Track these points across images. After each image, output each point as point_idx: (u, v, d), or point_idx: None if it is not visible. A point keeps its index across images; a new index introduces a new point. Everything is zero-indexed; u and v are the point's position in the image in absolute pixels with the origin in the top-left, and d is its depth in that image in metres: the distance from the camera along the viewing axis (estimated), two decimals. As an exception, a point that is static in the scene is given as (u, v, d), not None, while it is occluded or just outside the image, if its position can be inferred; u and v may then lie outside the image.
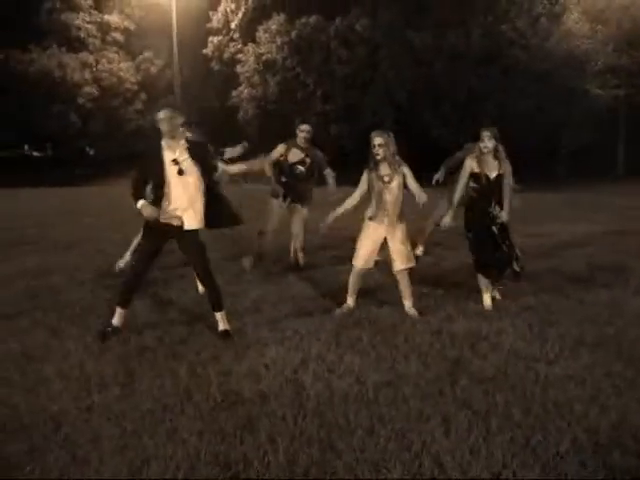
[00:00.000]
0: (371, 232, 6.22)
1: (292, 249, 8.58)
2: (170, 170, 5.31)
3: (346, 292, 6.41)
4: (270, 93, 32.91)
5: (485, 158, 6.43)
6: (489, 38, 28.50)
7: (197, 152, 5.41)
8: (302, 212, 8.31)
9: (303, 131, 8.08)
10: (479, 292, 6.56)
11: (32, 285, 7.74)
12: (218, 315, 5.66)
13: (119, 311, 5.64)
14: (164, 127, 5.29)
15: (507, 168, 6.46)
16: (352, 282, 6.36)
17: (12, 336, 5.64)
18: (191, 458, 3.39)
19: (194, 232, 5.49)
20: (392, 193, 6.10)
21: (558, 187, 22.31)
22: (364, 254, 6.24)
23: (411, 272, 6.32)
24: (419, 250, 8.35)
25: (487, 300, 6.48)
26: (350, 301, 6.38)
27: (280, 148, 8.19)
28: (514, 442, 3.53)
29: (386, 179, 6.08)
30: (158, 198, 5.37)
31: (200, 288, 7.11)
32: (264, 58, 33.00)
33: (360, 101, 30.50)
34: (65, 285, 7.71)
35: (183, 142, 5.36)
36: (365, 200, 6.25)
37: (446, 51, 28.50)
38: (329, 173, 8.26)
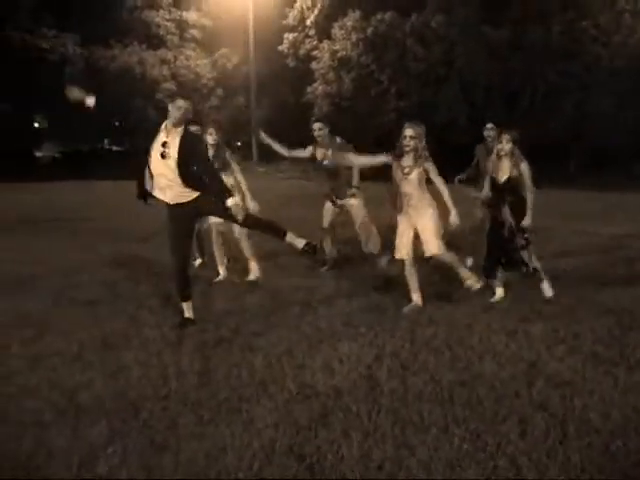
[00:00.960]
0: (401, 223, 6.28)
1: (362, 244, 8.50)
2: (156, 149, 5.49)
3: (408, 292, 6.38)
4: (345, 90, 32.85)
5: (500, 160, 6.45)
6: (569, 34, 27.81)
7: (189, 142, 5.54)
8: (353, 207, 8.26)
9: (315, 129, 8.03)
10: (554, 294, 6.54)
11: (111, 275, 7.99)
12: (289, 235, 5.86)
13: (184, 305, 5.82)
14: (177, 114, 5.44)
15: (525, 171, 6.38)
16: (407, 278, 6.35)
17: (93, 323, 5.85)
18: (266, 449, 3.44)
19: (202, 198, 5.63)
20: (411, 185, 6.12)
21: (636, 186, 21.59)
22: (399, 244, 6.28)
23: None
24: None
25: (498, 291, 6.64)
26: (416, 298, 6.33)
27: (308, 151, 8.22)
28: (592, 447, 3.44)
29: (406, 170, 6.10)
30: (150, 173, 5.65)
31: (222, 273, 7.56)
32: (339, 55, 32.92)
33: (435, 98, 30.16)
34: (142, 276, 7.92)
35: (181, 130, 5.52)
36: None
37: (523, 48, 27.94)
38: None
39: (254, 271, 7.60)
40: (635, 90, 26.09)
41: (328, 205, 8.28)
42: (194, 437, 3.59)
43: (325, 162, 8.09)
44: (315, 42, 35.58)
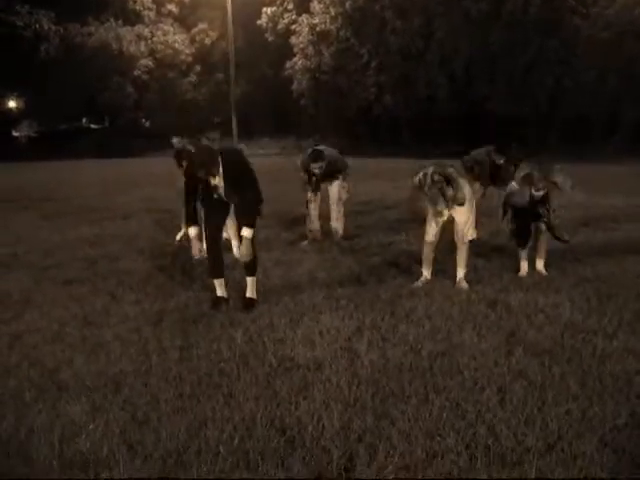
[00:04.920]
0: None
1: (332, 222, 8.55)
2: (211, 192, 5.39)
3: (420, 264, 6.36)
4: (324, 64, 32.75)
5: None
6: (548, 6, 27.77)
7: (230, 162, 5.34)
8: (334, 187, 8.39)
9: (315, 168, 7.99)
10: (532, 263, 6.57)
11: (91, 253, 7.95)
12: (249, 280, 5.70)
13: (216, 282, 5.73)
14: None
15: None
16: (424, 255, 6.31)
17: (73, 301, 5.82)
18: (247, 422, 3.44)
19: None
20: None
21: (618, 159, 21.68)
22: (431, 229, 6.18)
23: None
24: None
25: (523, 267, 6.56)
26: (426, 272, 6.31)
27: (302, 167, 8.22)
28: (570, 414, 3.47)
29: None
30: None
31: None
32: (318, 29, 32.77)
33: (415, 72, 30.09)
34: (123, 253, 7.89)
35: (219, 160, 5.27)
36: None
37: (503, 21, 27.88)
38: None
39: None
40: (613, 62, 26.13)
41: (311, 207, 8.37)
42: (175, 412, 3.59)
43: (317, 171, 8.07)
44: (294, 16, 35.36)
